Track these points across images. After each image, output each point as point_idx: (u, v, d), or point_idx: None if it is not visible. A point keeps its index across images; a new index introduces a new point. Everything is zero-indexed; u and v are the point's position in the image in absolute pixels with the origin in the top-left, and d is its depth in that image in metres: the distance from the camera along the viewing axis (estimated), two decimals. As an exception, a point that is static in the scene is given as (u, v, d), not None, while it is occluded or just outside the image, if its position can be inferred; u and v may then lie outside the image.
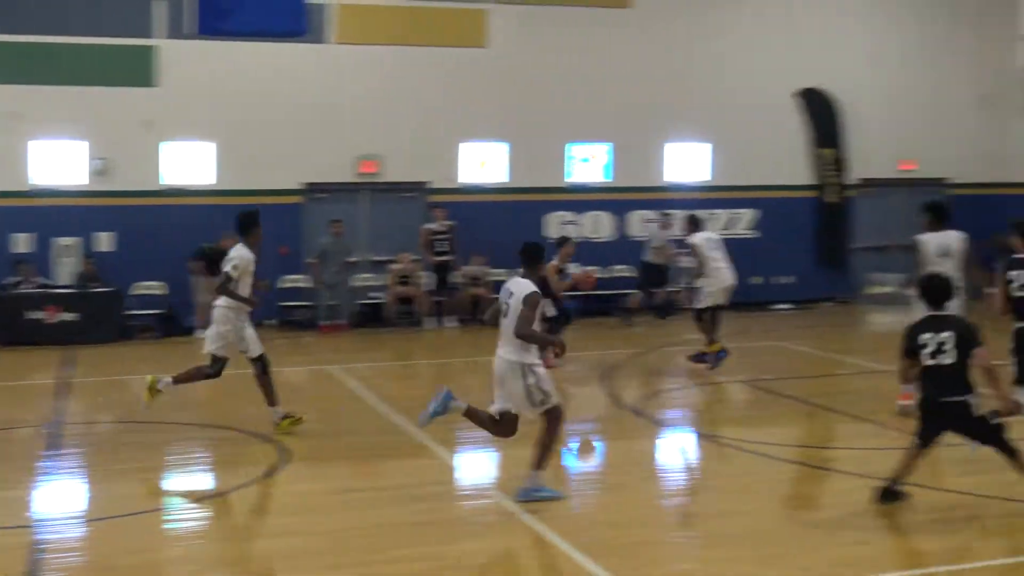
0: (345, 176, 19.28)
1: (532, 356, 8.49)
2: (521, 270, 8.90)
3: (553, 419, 8.56)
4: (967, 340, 7.99)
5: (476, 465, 10.32)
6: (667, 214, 20.11)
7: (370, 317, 18.90)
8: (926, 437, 8.24)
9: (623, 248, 20.44)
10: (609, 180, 20.45)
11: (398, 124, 19.25)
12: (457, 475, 9.92)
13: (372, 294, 19.22)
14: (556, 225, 20.13)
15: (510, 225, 19.26)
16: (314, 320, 18.56)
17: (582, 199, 20.34)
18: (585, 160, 20.37)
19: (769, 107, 21.01)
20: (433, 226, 18.99)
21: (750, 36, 20.93)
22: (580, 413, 12.52)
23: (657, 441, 11.21)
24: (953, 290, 8.39)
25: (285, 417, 10.83)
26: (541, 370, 8.50)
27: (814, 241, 21.59)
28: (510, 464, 10.20)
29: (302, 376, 14.67)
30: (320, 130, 18.91)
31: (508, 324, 8.46)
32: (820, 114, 21.43)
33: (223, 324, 10.55)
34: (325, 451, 10.35)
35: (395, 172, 19.45)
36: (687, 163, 20.83)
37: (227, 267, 10.38)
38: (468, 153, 19.84)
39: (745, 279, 20.61)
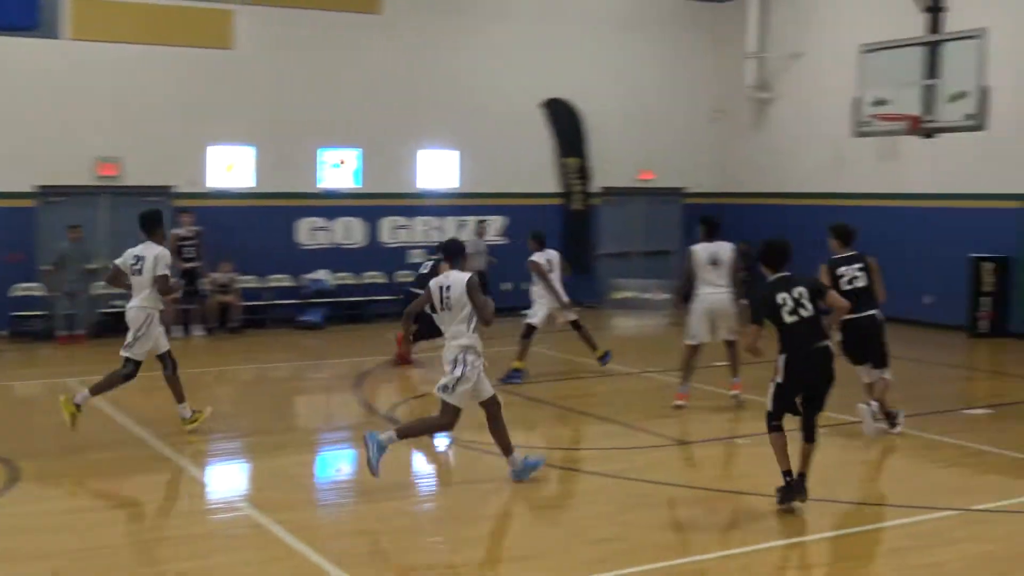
0: (83, 179, 18.34)
1: (477, 341, 9.03)
2: (445, 266, 9.29)
3: (495, 407, 9.29)
4: (819, 290, 8.52)
5: (225, 478, 9.99)
6: (483, 221, 20.26)
7: (110, 327, 18.01)
8: (790, 404, 8.41)
9: (375, 255, 20.35)
10: (359, 186, 20.29)
11: (140, 125, 18.48)
12: (206, 489, 9.57)
13: (113, 303, 18.34)
14: (307, 231, 19.86)
15: (259, 231, 18.86)
16: (50, 330, 17.55)
17: (333, 205, 20.11)
18: (336, 165, 20.15)
19: (516, 116, 21.39)
20: (180, 231, 18.31)
21: (498, 46, 21.26)
22: (332, 420, 12.35)
23: (410, 447, 11.15)
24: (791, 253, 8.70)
25: (195, 413, 10.99)
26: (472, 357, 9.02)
27: (561, 248, 22.03)
28: (260, 476, 9.95)
29: (36, 389, 13.83)
30: (55, 130, 17.91)
31: (453, 316, 8.94)
32: (564, 124, 22.00)
33: (146, 325, 10.69)
34: (59, 468, 9.76)
35: (137, 175, 18.65)
36: (438, 170, 20.94)
37: (161, 268, 10.64)
38: (215, 157, 19.26)
39: (496, 286, 21.05)
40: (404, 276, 20.43)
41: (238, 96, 19.25)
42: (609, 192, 22.69)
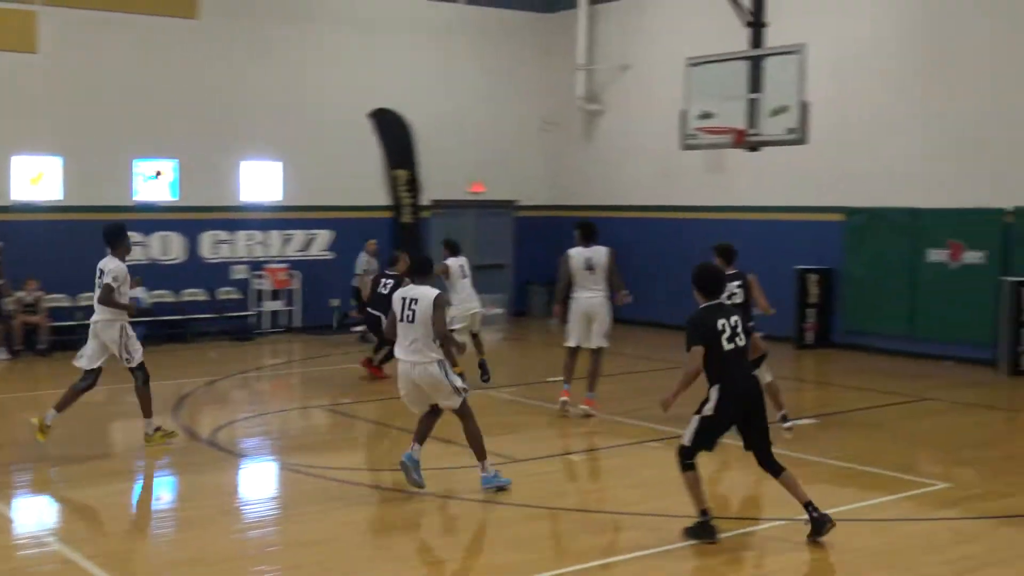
0: None
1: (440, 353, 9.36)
2: (408, 280, 9.86)
3: (469, 411, 9.61)
4: (746, 325, 8.51)
5: (32, 511, 9.60)
6: (372, 240, 20.20)
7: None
8: (712, 440, 8.29)
9: (195, 271, 19.90)
10: (176, 199, 19.78)
11: (-65, 134, 17.65)
12: (12, 524, 9.17)
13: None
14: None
15: (68, 247, 18.15)
16: None
17: (149, 219, 19.56)
18: (151, 177, 19.59)
19: (343, 126, 21.26)
20: (-22, 248, 17.54)
21: (323, 53, 21.09)
22: (152, 446, 12.04)
23: (234, 472, 10.96)
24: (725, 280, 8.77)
25: (157, 430, 11.41)
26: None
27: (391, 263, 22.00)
28: (71, 508, 9.61)
29: None
30: None
31: (417, 328, 9.27)
32: (394, 135, 21.95)
33: (108, 336, 11.10)
34: None
35: (-68, 187, 17.80)
36: (261, 182, 20.61)
37: (107, 279, 10.96)
38: (20, 167, 18.50)
39: (322, 302, 20.87)
40: (227, 293, 20.07)
41: (43, 103, 18.56)
42: (439, 205, 22.76)
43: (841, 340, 18.71)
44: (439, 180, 22.46)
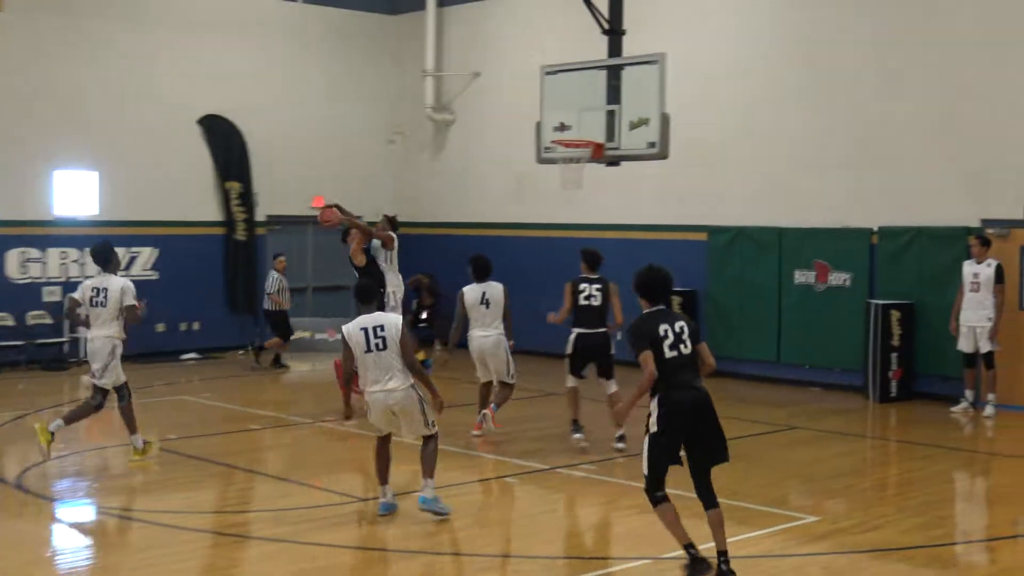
0: None
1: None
2: (360, 307, 9.85)
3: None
4: (697, 332, 8.39)
5: None
6: (279, 255, 20.05)
7: None
8: (676, 442, 8.21)
9: (0, 293, 19.18)
10: (-21, 212, 19.08)
11: None
12: None
13: None
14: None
15: None
16: None
17: (-52, 235, 18.81)
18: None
19: (169, 134, 20.85)
20: None
21: (146, 54, 20.62)
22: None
23: (45, 519, 10.56)
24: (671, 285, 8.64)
25: (146, 443, 12.37)
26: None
27: (223, 283, 21.67)
28: None
29: None
30: None
31: (390, 356, 9.60)
32: (226, 144, 21.60)
33: (112, 355, 12.09)
34: None
35: None
36: (75, 194, 19.96)
37: (128, 299, 12.08)
38: None
39: (147, 327, 20.32)
40: (37, 317, 19.40)
41: None
42: (276, 221, 22.45)
43: (705, 364, 19.03)
44: (276, 194, 22.18)
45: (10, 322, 19.22)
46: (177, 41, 21.02)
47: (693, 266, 19.02)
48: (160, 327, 20.46)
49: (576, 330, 13.00)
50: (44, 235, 19.72)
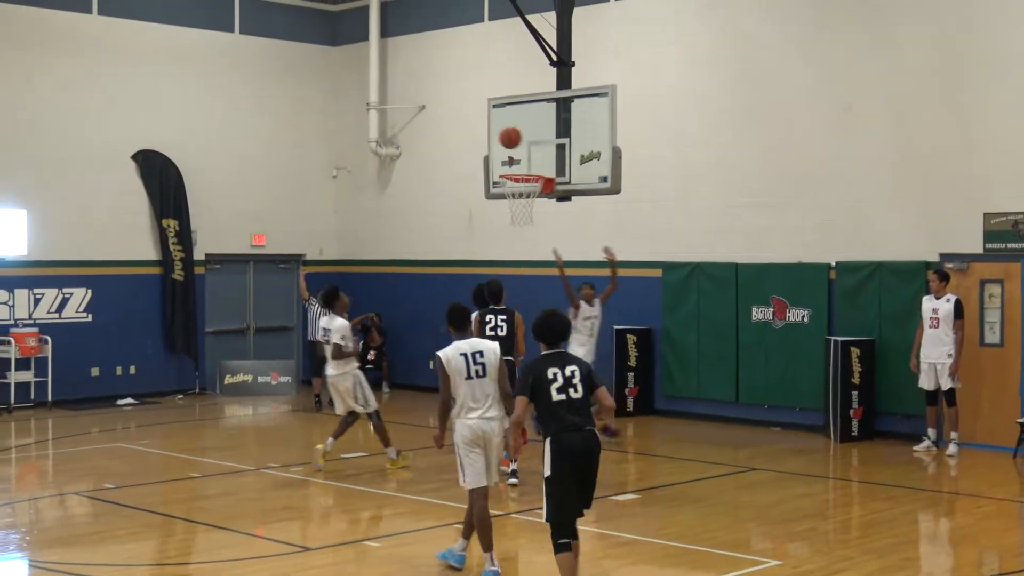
0: None
1: None
2: (452, 332, 9.86)
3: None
4: (591, 377, 8.77)
5: None
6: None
7: None
8: (569, 483, 8.53)
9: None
10: None
11: None
12: None
13: None
14: None
15: None
16: None
17: None
18: None
19: (100, 169, 20.73)
20: None
21: (76, 85, 20.50)
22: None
23: (-24, 574, 10.42)
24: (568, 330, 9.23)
25: (399, 453, 14.27)
26: None
27: (160, 325, 21.51)
28: None
29: None
30: None
31: (487, 384, 9.61)
32: (161, 180, 21.47)
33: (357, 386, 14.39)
34: None
35: None
36: (2, 233, 19.72)
37: (335, 338, 14.23)
38: None
39: (81, 371, 20.18)
40: (-37, 363, 19.14)
41: None
42: (215, 260, 22.35)
43: (663, 406, 19.16)
44: (214, 231, 22.10)
45: (-65, 368, 18.96)
46: (110, 72, 20.93)
47: (648, 303, 19.14)
48: (95, 371, 20.26)
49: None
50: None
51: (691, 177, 18.79)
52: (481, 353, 9.67)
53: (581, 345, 15.98)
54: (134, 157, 21.25)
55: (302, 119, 23.48)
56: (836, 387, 16.53)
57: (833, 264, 17.27)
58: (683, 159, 18.84)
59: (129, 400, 20.50)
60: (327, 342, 14.37)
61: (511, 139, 14.81)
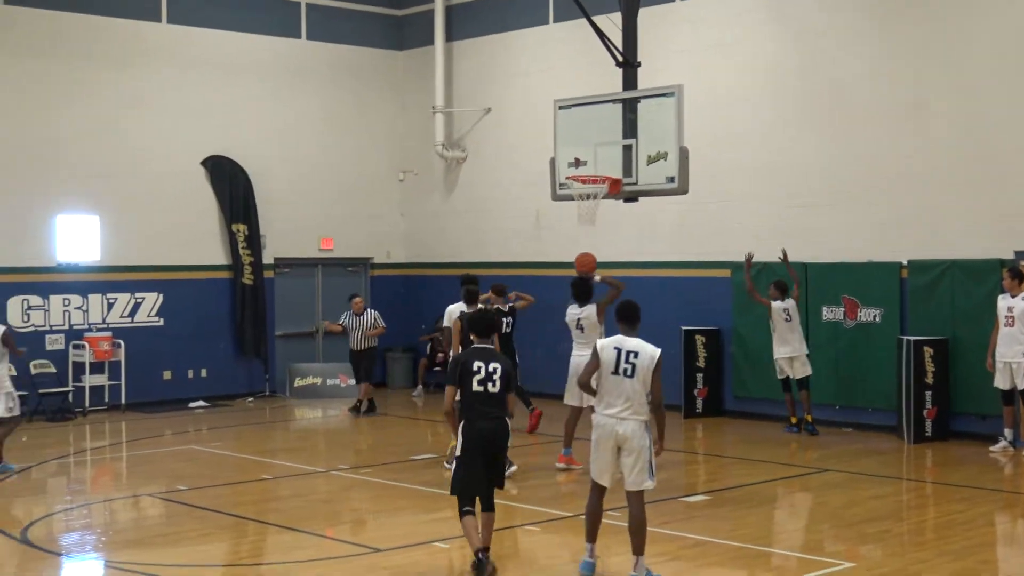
0: None
1: None
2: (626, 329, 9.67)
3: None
4: (508, 378, 9.84)
5: None
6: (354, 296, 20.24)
7: None
8: (476, 464, 9.65)
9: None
10: (-25, 260, 19.15)
11: None
12: None
13: None
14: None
15: None
16: None
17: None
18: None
19: (172, 176, 20.97)
20: None
21: (150, 94, 20.73)
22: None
23: (52, 573, 10.56)
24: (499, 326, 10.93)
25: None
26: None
27: (230, 328, 21.72)
28: None
29: None
30: None
31: (634, 385, 9.37)
32: (230, 186, 21.68)
33: None
34: None
35: None
36: (76, 239, 20.04)
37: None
38: None
39: (153, 374, 20.42)
40: (41, 366, 19.43)
41: None
42: (283, 263, 22.53)
43: (733, 407, 19.02)
44: (283, 236, 22.28)
45: (13, 372, 19.20)
46: (180, 81, 21.17)
47: (717, 304, 19.02)
48: (167, 374, 20.49)
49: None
50: (46, 282, 19.80)
51: (759, 176, 18.64)
52: (636, 354, 9.48)
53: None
54: (204, 163, 21.47)
55: (369, 123, 23.60)
56: (909, 387, 16.31)
57: (905, 263, 17.04)
58: (750, 158, 18.70)
59: (200, 403, 20.73)
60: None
61: (588, 264, 14.97)
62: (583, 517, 9.75)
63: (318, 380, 22.14)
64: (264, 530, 11.95)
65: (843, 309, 17.63)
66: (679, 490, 13.05)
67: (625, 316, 9.66)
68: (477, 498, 9.68)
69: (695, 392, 19.06)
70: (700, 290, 19.28)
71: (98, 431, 18.45)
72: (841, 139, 17.71)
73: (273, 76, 22.37)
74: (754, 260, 17.64)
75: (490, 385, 9.63)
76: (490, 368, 9.67)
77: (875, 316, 17.33)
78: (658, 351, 9.49)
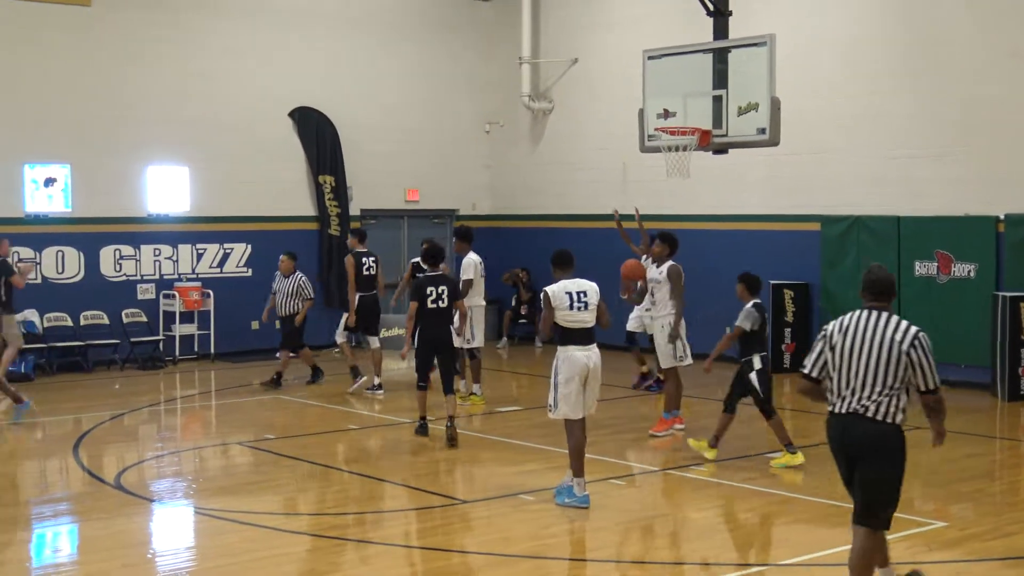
0: None
1: None
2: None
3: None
4: (454, 292, 13.44)
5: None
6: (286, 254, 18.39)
7: None
8: (429, 356, 13.34)
9: (95, 291, 19.51)
10: (69, 209, 19.38)
11: None
12: None
13: None
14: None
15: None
16: None
17: (41, 232, 19.17)
18: (44, 184, 19.14)
19: (259, 127, 21.07)
20: None
21: (236, 45, 20.83)
22: (50, 491, 11.83)
23: (143, 520, 10.73)
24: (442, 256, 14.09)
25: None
26: None
27: (317, 279, 21.84)
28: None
29: None
30: None
31: (590, 318, 10.37)
32: (317, 137, 21.77)
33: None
34: None
35: None
36: (166, 190, 20.27)
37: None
38: None
39: (241, 324, 20.62)
40: (132, 315, 19.73)
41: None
42: (370, 215, 22.60)
43: (819, 362, 18.74)
44: (369, 187, 22.33)
45: (104, 320, 19.57)
46: (267, 33, 21.24)
47: (806, 258, 18.74)
48: (254, 324, 20.67)
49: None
50: (137, 232, 20.07)
51: (850, 128, 18.28)
52: (585, 292, 10.39)
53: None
54: (291, 115, 21.56)
55: (455, 74, 23.52)
56: (1004, 344, 15.98)
57: (1002, 216, 16.64)
58: (842, 109, 18.33)
59: (288, 353, 20.87)
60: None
61: (635, 272, 14.51)
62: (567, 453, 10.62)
63: (403, 331, 22.17)
64: (351, 479, 12.05)
65: (936, 264, 17.28)
66: (765, 447, 12.91)
67: (565, 262, 10.66)
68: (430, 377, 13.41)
69: (783, 347, 18.85)
70: (789, 244, 19.00)
71: (187, 380, 18.71)
72: (935, 90, 17.29)
73: (361, 28, 22.35)
74: (845, 214, 17.28)
75: (440, 303, 13.12)
76: (439, 290, 13.12)
77: (969, 271, 16.97)
78: (596, 285, 10.53)
